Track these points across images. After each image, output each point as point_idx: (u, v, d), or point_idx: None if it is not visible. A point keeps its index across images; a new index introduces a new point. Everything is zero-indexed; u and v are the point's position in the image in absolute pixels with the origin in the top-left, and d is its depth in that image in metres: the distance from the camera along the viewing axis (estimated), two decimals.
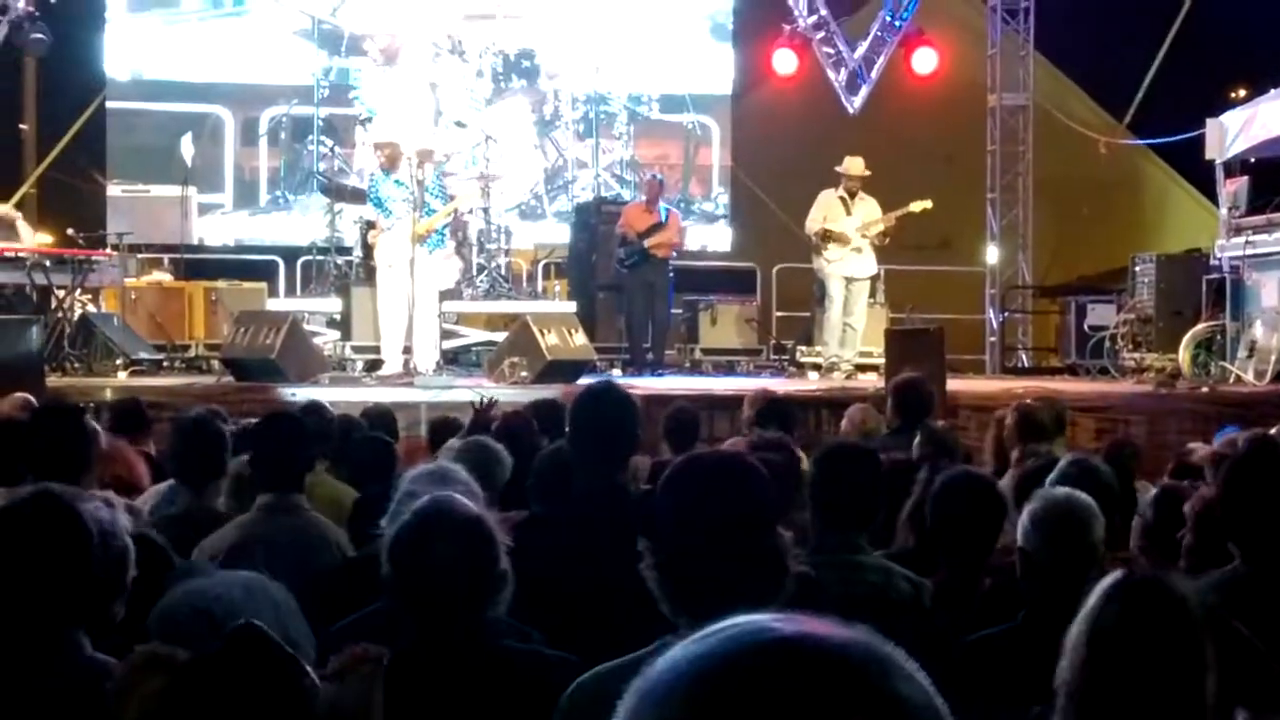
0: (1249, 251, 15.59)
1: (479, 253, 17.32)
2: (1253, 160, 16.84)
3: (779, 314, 19.51)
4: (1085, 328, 18.62)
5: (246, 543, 5.38)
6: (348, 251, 17.16)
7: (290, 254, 19.06)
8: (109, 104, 20.29)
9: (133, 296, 17.32)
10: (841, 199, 15.99)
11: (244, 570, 5.28)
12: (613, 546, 4.23)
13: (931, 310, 18.12)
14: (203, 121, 20.45)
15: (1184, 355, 15.72)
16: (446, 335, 15.65)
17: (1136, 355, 16.96)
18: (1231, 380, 15.13)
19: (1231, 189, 16.46)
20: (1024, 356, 21.65)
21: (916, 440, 7.66)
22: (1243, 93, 19.27)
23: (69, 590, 3.52)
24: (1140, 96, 22.21)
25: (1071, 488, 4.55)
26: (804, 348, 17.45)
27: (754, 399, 9.02)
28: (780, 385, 13.67)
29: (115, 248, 17.04)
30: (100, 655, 3.53)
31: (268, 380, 13.26)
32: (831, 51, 20.61)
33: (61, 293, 15.15)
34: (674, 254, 16.63)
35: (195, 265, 19.12)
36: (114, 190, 19.90)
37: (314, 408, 8.87)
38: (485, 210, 17.43)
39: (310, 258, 18.07)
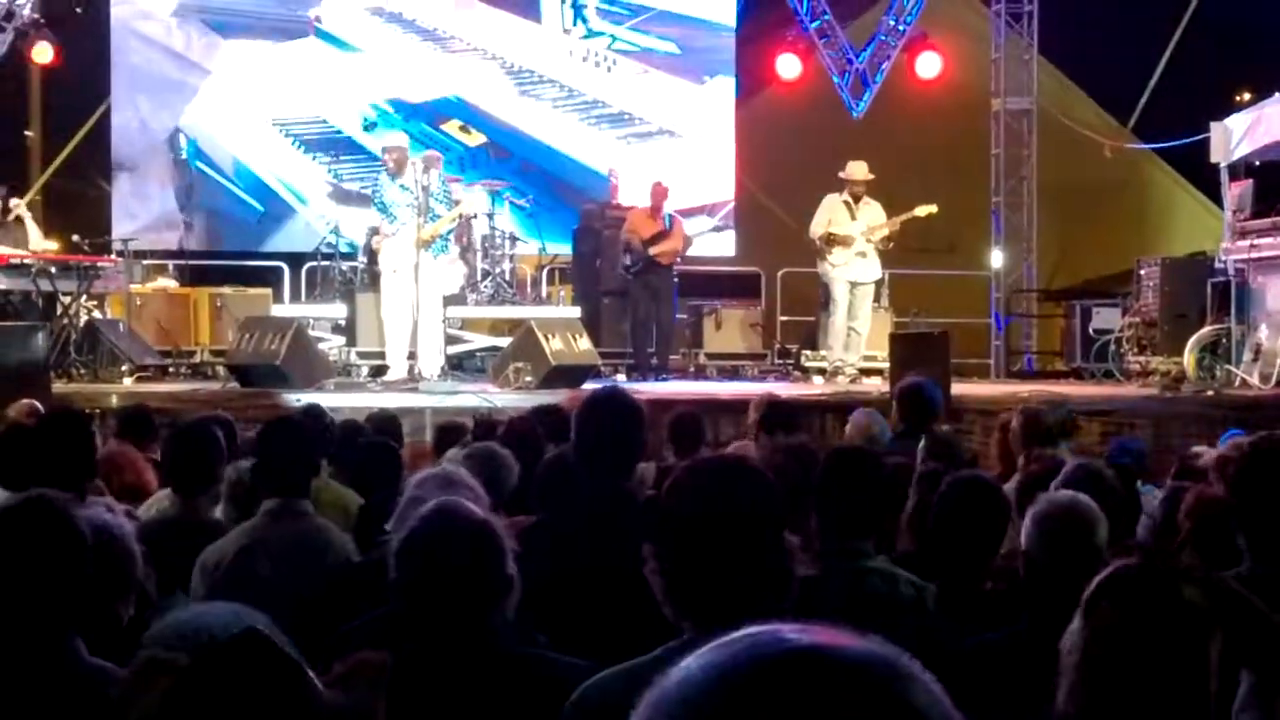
0: (1254, 255, 15.58)
1: (483, 258, 17.33)
2: (1257, 163, 16.83)
3: (783, 318, 19.51)
4: (1090, 331, 18.61)
5: (252, 548, 5.39)
6: (352, 257, 17.17)
7: (295, 260, 19.06)
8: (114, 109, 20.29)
9: (138, 302, 17.32)
10: (846, 203, 15.99)
11: (247, 576, 5.33)
12: (619, 552, 4.25)
13: (936, 314, 18.13)
14: None
15: (1189, 359, 15.72)
16: (451, 340, 15.65)
17: (1141, 359, 16.95)
18: (1237, 384, 15.12)
19: (1236, 192, 16.45)
20: (1029, 360, 21.65)
21: (921, 445, 7.67)
22: (1247, 96, 19.26)
23: (63, 596, 3.52)
24: (1145, 100, 22.20)
25: (1076, 491, 4.55)
26: (808, 352, 17.45)
27: (759, 403, 9.02)
28: (785, 390, 13.66)
29: (120, 254, 17.05)
30: (99, 661, 3.54)
31: (273, 386, 13.28)
32: (835, 56, 20.62)
33: (67, 299, 15.17)
34: (678, 260, 16.63)
35: (200, 271, 19.13)
36: (121, 187, 19.88)
37: (312, 412, 8.89)
38: (490, 215, 17.44)
39: (315, 263, 18.08)
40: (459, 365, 15.99)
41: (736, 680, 1.20)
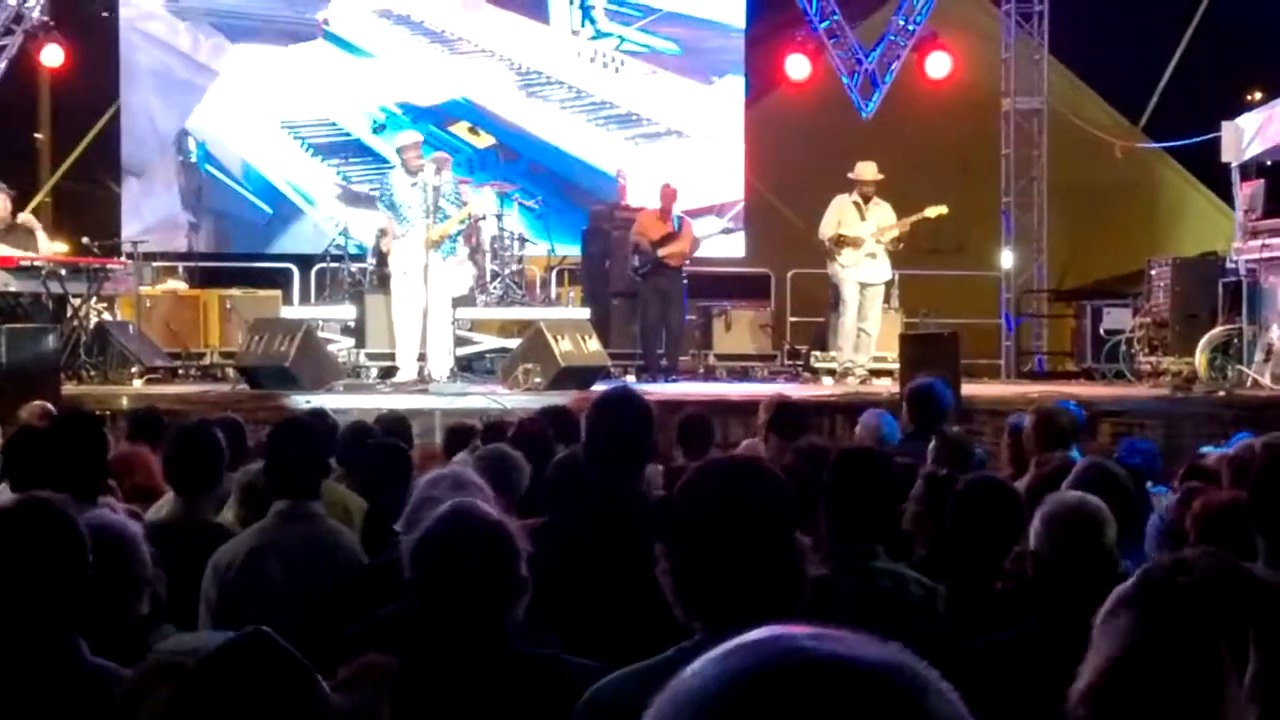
0: (1265, 255, 15.55)
1: (493, 259, 17.32)
2: (1269, 163, 16.80)
3: (793, 319, 19.49)
4: (1101, 332, 18.58)
5: (263, 549, 5.39)
6: (361, 259, 17.17)
7: (304, 261, 19.07)
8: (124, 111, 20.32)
9: (148, 304, 17.34)
10: (855, 204, 15.97)
11: (258, 577, 5.33)
12: (628, 552, 4.24)
13: (946, 315, 18.10)
14: None
15: (1200, 359, 15.68)
16: (460, 342, 15.64)
17: (1152, 359, 16.92)
18: (1248, 384, 15.09)
19: (1247, 192, 16.42)
20: (1040, 361, 21.63)
21: (931, 446, 7.65)
22: (1259, 95, 19.25)
23: (63, 596, 3.52)
24: (1155, 99, 22.18)
25: (1087, 492, 4.54)
26: (818, 353, 17.43)
27: (769, 405, 9.01)
28: (795, 391, 13.65)
29: (130, 256, 17.06)
30: (101, 660, 3.54)
31: (282, 388, 13.28)
32: (845, 56, 20.60)
33: (77, 301, 15.18)
34: (686, 262, 16.60)
35: (210, 273, 19.15)
36: (131, 188, 19.90)
37: (316, 414, 8.89)
38: (499, 217, 17.43)
39: (324, 265, 18.09)
40: (468, 367, 15.98)
41: (751, 688, 1.19)
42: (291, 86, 20.18)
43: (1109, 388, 16.47)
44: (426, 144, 15.40)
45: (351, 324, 16.63)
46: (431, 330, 14.26)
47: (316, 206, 20.02)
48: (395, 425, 8.99)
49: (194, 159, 19.59)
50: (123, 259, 16.74)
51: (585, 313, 16.95)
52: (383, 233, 15.42)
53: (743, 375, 18.11)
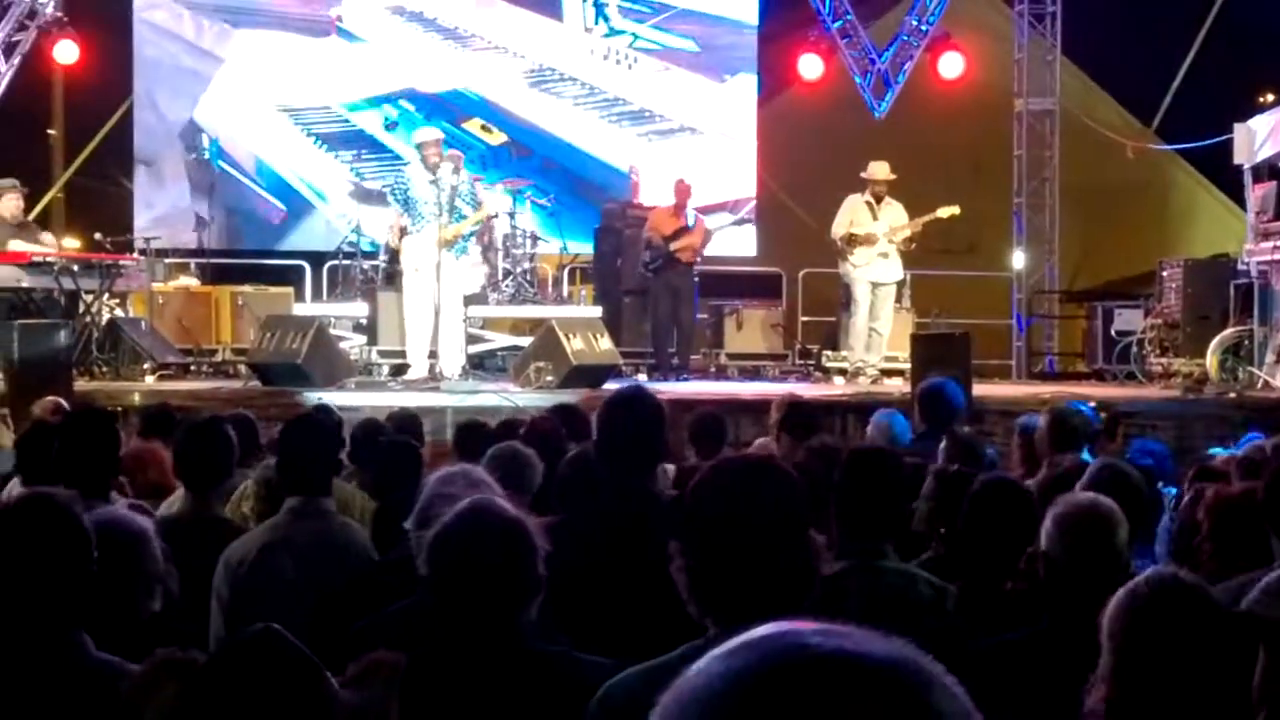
0: (1277, 256, 15.52)
1: (504, 257, 17.33)
2: None
3: (805, 319, 19.49)
4: (1112, 333, 18.57)
5: (274, 546, 5.40)
6: (374, 256, 17.19)
7: (316, 258, 19.09)
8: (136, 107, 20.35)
9: (160, 301, 17.36)
10: (867, 204, 15.97)
11: (270, 573, 5.34)
12: (642, 552, 4.24)
13: (958, 315, 18.10)
14: None
15: (1211, 360, 15.67)
16: (472, 340, 15.65)
17: (1164, 360, 16.90)
18: (1259, 386, 15.08)
19: (1259, 194, 16.39)
20: (1051, 362, 21.62)
21: (942, 445, 7.65)
22: (1271, 97, 19.25)
23: (66, 592, 3.54)
24: (1168, 101, 22.16)
25: (1100, 492, 4.54)
26: (829, 353, 17.43)
27: (780, 404, 9.01)
28: (806, 390, 13.65)
29: (142, 252, 17.08)
30: (106, 656, 3.55)
31: (294, 385, 13.29)
32: (858, 56, 20.59)
33: (89, 297, 15.20)
34: (698, 259, 16.60)
35: (222, 270, 19.17)
36: (144, 181, 19.92)
37: (321, 410, 8.91)
38: (511, 214, 17.44)
39: (336, 262, 18.10)
40: (480, 364, 15.99)
41: (755, 684, 1.19)
42: (301, 79, 20.19)
43: (1120, 389, 16.46)
44: (444, 142, 15.40)
45: (363, 321, 16.65)
46: (443, 328, 14.27)
47: (328, 203, 20.03)
48: (406, 423, 9.00)
49: (206, 155, 19.60)
50: (135, 255, 16.76)
51: (597, 311, 16.95)
52: (390, 229, 15.44)
53: (754, 374, 18.11)
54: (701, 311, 17.76)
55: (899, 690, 1.19)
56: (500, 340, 17.06)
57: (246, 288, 18.11)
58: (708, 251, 16.93)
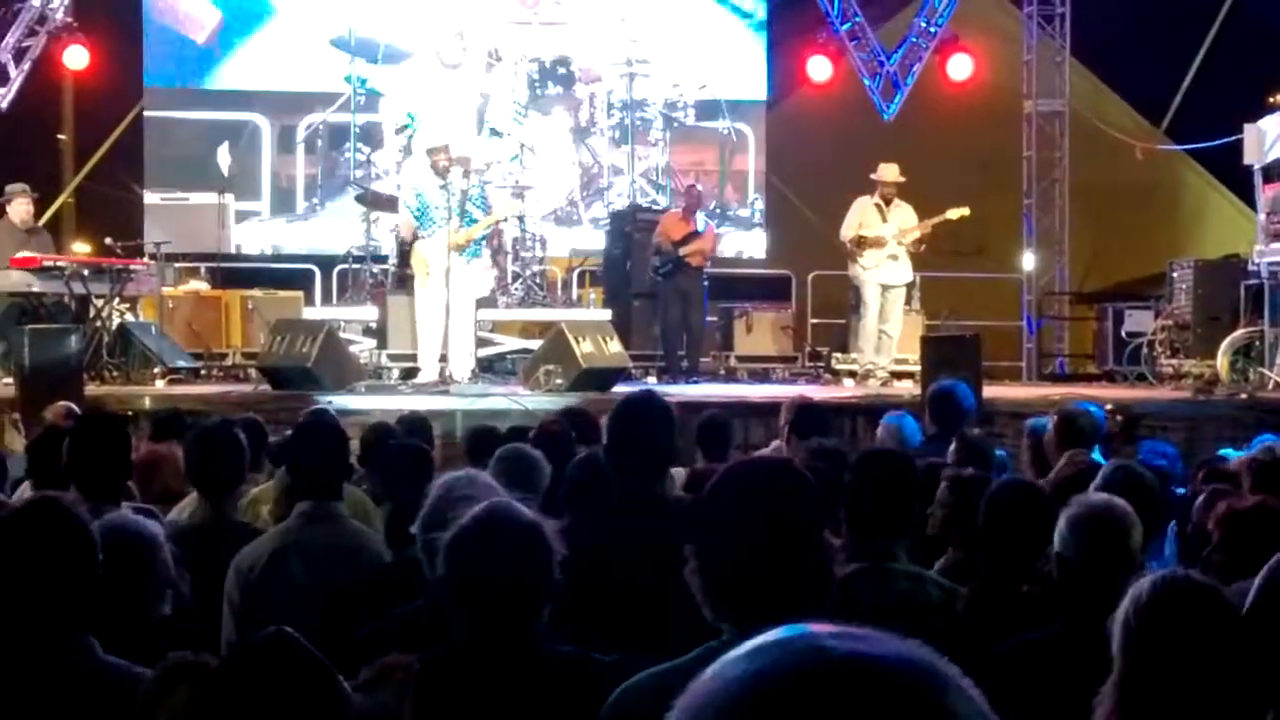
0: None
1: (514, 260, 17.34)
2: None
3: (814, 321, 19.48)
4: (1122, 334, 18.54)
5: (286, 550, 5.41)
6: (384, 260, 17.20)
7: (326, 262, 19.10)
8: (146, 113, 20.37)
9: (170, 305, 17.38)
10: (877, 206, 15.97)
11: (282, 578, 5.35)
12: (652, 555, 4.25)
13: (968, 317, 18.09)
14: (240, 129, 20.54)
15: (1222, 361, 15.65)
16: (481, 343, 15.65)
17: (1174, 362, 16.87)
18: (1269, 386, 15.05)
19: (1270, 194, 16.37)
20: (1061, 363, 21.60)
21: (952, 448, 7.65)
22: None
23: (72, 595, 3.56)
24: (1177, 102, 22.12)
25: (1114, 494, 4.53)
26: (839, 355, 17.42)
27: (790, 406, 9.01)
28: (816, 392, 13.65)
29: (153, 257, 17.09)
30: (113, 658, 3.57)
31: (304, 389, 13.30)
32: (867, 58, 20.58)
33: (100, 302, 15.22)
34: (708, 263, 16.60)
35: (232, 274, 19.19)
36: (151, 199, 19.98)
37: (320, 413, 8.93)
38: (521, 218, 17.44)
39: (346, 266, 18.11)
40: (489, 368, 15.99)
41: (771, 686, 1.20)
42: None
43: (1131, 390, 16.43)
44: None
45: (373, 325, 16.66)
46: (453, 331, 14.28)
47: (340, 206, 20.06)
48: (416, 426, 9.00)
49: (218, 158, 19.67)
50: (145, 260, 16.77)
51: (606, 314, 16.96)
52: (402, 225, 15.46)
53: (763, 377, 18.09)
54: (711, 314, 17.76)
55: (915, 692, 1.19)
56: (510, 343, 17.06)
57: (256, 292, 18.14)
58: (716, 253, 16.95)
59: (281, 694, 2.79)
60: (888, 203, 15.97)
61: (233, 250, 19.79)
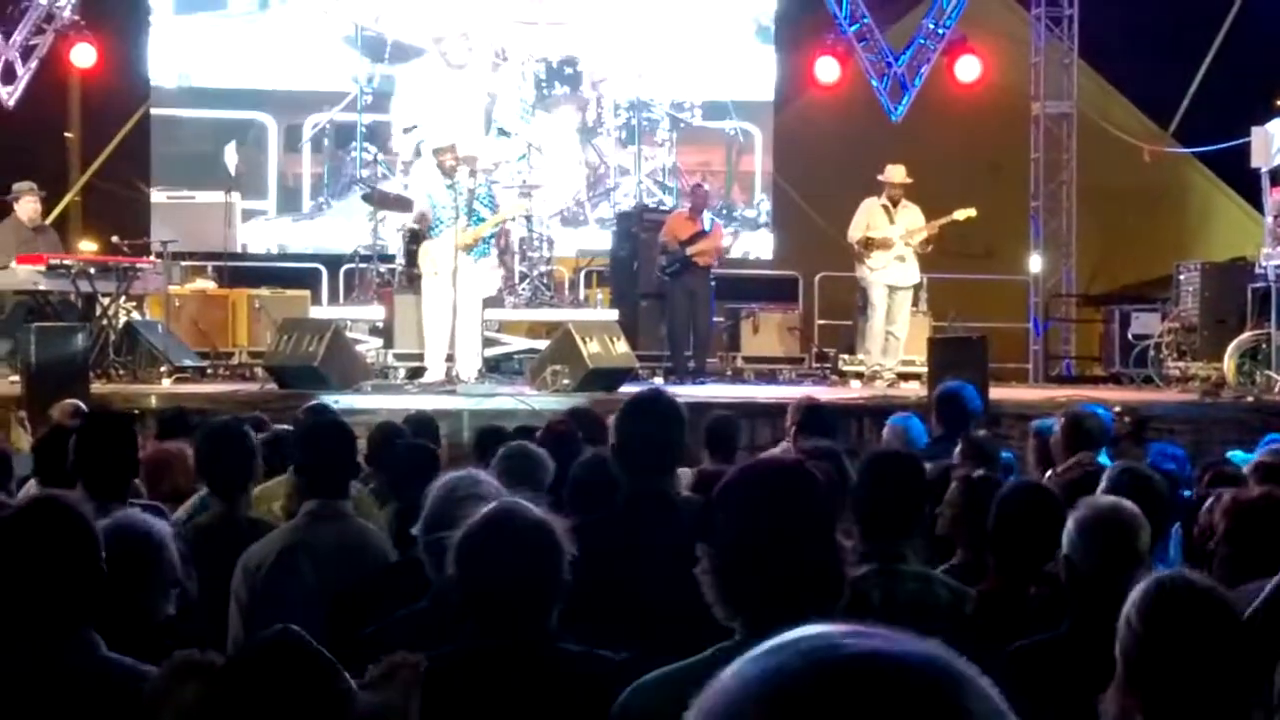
0: None
1: (521, 260, 17.33)
2: None
3: (821, 322, 19.48)
4: (1129, 336, 18.53)
5: (293, 549, 5.41)
6: (390, 259, 17.20)
7: (333, 261, 19.11)
8: (153, 111, 20.37)
9: (176, 304, 17.39)
10: (884, 207, 15.97)
11: (289, 577, 5.35)
12: (660, 555, 4.24)
13: (975, 318, 18.09)
14: (246, 128, 20.54)
15: (1229, 364, 15.63)
16: (488, 343, 15.65)
17: (1181, 364, 16.87)
18: (1276, 390, 15.03)
19: (1277, 198, 16.35)
20: (1068, 365, 21.59)
21: (958, 449, 7.64)
22: None
23: (75, 592, 3.57)
24: (1185, 104, 22.09)
25: (1122, 496, 4.52)
26: (846, 356, 17.42)
27: (797, 407, 9.00)
28: (822, 393, 13.62)
29: (159, 255, 17.10)
30: (117, 655, 3.58)
31: (311, 388, 13.29)
32: (874, 59, 20.58)
33: (106, 300, 15.22)
34: (716, 262, 16.60)
35: (238, 273, 19.19)
36: (158, 197, 19.98)
37: (320, 408, 8.92)
38: (528, 218, 17.44)
39: (353, 265, 18.11)
40: (496, 368, 16.00)
41: (790, 686, 1.20)
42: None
43: (1137, 392, 16.41)
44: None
45: (380, 324, 16.65)
46: (460, 331, 14.28)
47: (347, 205, 20.07)
48: (423, 425, 9.00)
49: (225, 156, 19.68)
50: (152, 258, 16.77)
51: (613, 314, 16.94)
52: (412, 234, 15.48)
53: (770, 378, 18.09)
54: (718, 315, 17.76)
55: (933, 691, 1.19)
56: (517, 343, 17.06)
57: (263, 291, 18.14)
58: (729, 252, 16.98)
59: (287, 692, 2.79)
60: (895, 204, 15.98)
61: (239, 249, 19.78)
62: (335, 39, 20.27)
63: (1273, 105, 17.48)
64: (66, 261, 15.16)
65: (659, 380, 16.11)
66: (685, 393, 13.30)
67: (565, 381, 13.82)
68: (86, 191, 21.35)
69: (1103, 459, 7.89)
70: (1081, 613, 4.13)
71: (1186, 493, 7.11)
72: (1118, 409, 10.64)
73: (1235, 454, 8.89)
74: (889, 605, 4.46)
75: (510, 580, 3.55)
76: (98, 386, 13.20)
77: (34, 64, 19.20)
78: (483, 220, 14.49)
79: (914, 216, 15.96)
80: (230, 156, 19.72)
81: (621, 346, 14.51)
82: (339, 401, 12.00)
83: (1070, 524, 4.28)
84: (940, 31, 20.51)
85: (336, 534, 5.49)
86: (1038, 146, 21.38)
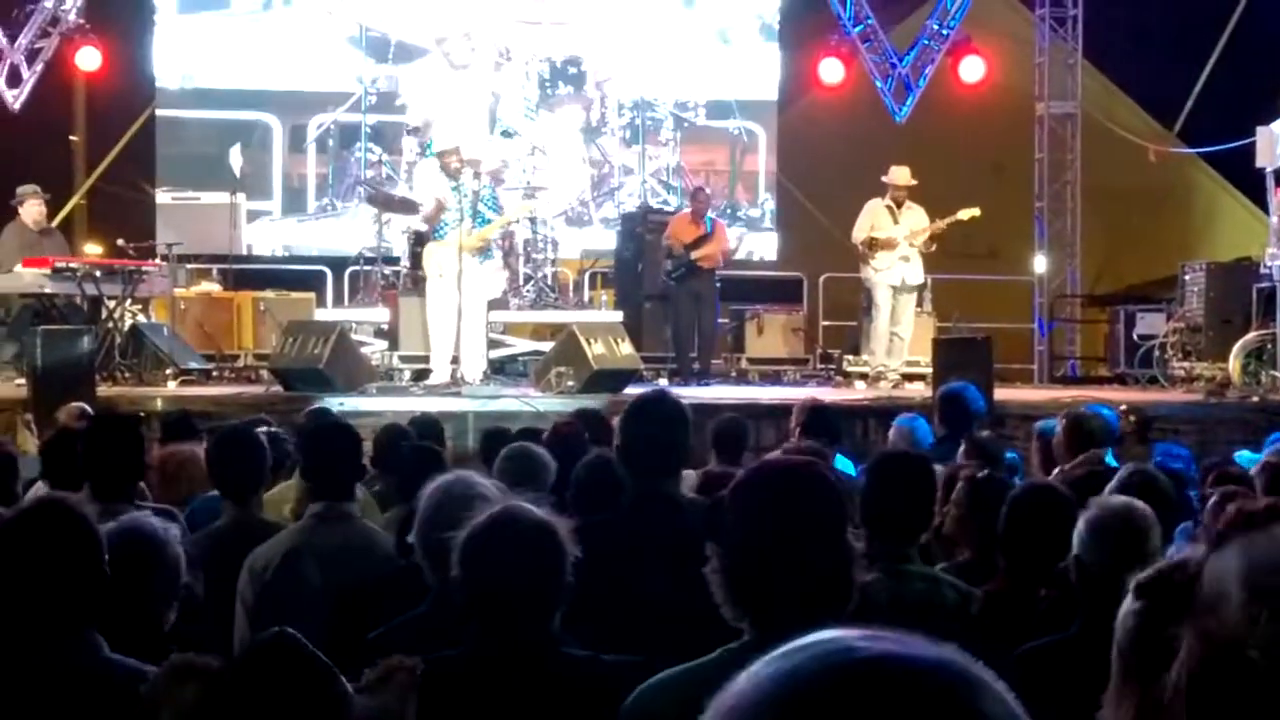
0: None
1: (526, 262, 17.33)
2: None
3: (826, 323, 19.48)
4: (1134, 337, 18.52)
5: (299, 551, 5.41)
6: (395, 261, 17.20)
7: (338, 264, 19.12)
8: (158, 112, 20.39)
9: (182, 306, 17.40)
10: (888, 208, 15.97)
11: (295, 579, 5.36)
12: (664, 557, 4.24)
13: (979, 319, 18.09)
14: (251, 129, 20.56)
15: (1234, 364, 15.62)
16: (493, 345, 15.66)
17: (1186, 364, 16.86)
18: None
19: None
20: (1073, 366, 21.58)
21: (961, 450, 7.64)
22: None
23: (77, 593, 3.59)
24: (1190, 104, 22.09)
25: (1130, 497, 4.52)
26: (851, 357, 17.41)
27: (801, 408, 9.01)
28: (827, 394, 13.63)
29: (164, 258, 17.11)
30: (120, 656, 3.59)
31: (316, 390, 13.30)
32: (878, 60, 20.57)
33: (112, 303, 15.23)
34: (721, 264, 16.61)
35: (244, 275, 19.21)
36: (163, 198, 20.01)
37: (321, 412, 8.93)
38: (532, 219, 17.44)
39: (358, 267, 18.12)
40: (501, 369, 16.00)
41: (806, 689, 1.20)
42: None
43: (1142, 393, 16.40)
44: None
45: (385, 326, 16.66)
46: (465, 333, 14.29)
47: (351, 207, 20.09)
48: (428, 427, 9.01)
49: (230, 158, 19.70)
50: (157, 261, 16.78)
51: (618, 315, 16.96)
52: (417, 236, 15.49)
53: (775, 379, 18.09)
54: (722, 316, 17.75)
55: (948, 694, 1.19)
56: (521, 345, 17.06)
57: (268, 293, 18.16)
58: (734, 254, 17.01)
59: (283, 694, 2.80)
60: (899, 205, 15.98)
61: (244, 250, 19.80)
62: (339, 39, 20.29)
63: (1278, 105, 17.47)
64: (72, 264, 15.17)
65: (663, 382, 16.11)
66: (690, 394, 13.29)
67: (570, 383, 13.82)
68: (92, 194, 21.36)
69: (1108, 459, 7.90)
70: (1092, 614, 4.12)
71: (1193, 493, 7.11)
72: (1123, 408, 10.63)
73: (1242, 454, 8.90)
74: (896, 606, 4.46)
75: (513, 582, 3.54)
76: (103, 389, 13.21)
77: (39, 67, 19.22)
78: (488, 222, 14.49)
79: (918, 217, 15.96)
80: (235, 158, 19.72)
81: (626, 348, 14.51)
82: (344, 404, 12.02)
83: (1081, 524, 4.28)
84: (944, 32, 20.51)
85: (342, 536, 5.49)
86: (1042, 147, 21.37)
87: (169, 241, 17.58)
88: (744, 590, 2.92)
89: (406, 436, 8.18)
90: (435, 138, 17.68)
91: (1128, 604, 3.23)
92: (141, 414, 11.48)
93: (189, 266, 18.44)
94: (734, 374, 18.22)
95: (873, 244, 15.88)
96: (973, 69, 20.24)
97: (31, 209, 15.76)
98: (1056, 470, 7.97)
